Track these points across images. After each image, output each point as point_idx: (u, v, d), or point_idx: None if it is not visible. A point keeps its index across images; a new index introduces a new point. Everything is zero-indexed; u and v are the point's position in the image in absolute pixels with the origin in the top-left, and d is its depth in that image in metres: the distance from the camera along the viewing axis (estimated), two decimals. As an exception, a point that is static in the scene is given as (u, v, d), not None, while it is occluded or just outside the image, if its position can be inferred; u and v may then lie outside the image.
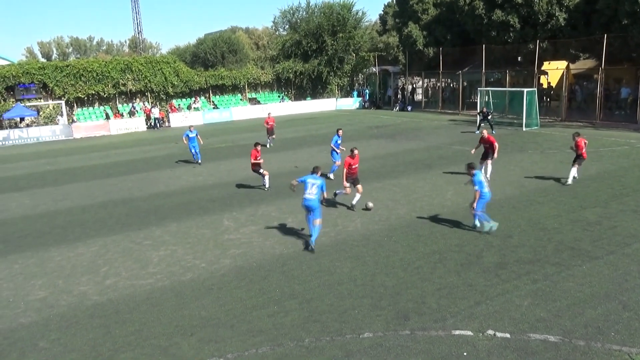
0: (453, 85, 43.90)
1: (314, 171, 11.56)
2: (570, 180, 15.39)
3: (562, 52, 33.19)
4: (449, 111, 39.40)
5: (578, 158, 15.50)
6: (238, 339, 7.58)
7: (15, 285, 10.18)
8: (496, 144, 16.19)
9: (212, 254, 11.27)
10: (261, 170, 17.01)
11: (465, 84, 40.36)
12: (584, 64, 34.02)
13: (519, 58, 35.41)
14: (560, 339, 7.02)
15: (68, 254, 11.90)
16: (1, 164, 27.06)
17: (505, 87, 33.74)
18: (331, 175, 17.99)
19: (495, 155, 16.26)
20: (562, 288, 8.56)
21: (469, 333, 7.29)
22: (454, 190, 15.43)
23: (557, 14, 31.29)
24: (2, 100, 38.40)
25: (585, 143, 15.60)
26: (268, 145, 26.30)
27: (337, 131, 18.68)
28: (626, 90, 30.65)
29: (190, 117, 42.19)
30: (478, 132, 26.45)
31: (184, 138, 23.04)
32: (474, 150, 17.26)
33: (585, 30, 30.88)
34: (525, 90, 28.22)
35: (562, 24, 31.48)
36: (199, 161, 22.93)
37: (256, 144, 17.02)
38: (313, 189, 10.95)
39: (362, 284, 9.21)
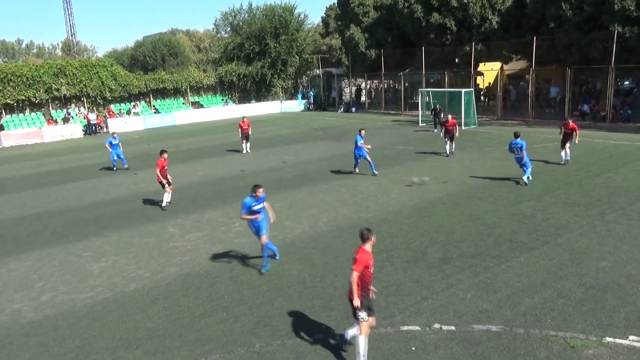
0: (395, 87, 44.91)
1: (254, 191, 9.85)
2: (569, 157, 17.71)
3: (496, 54, 34.76)
4: (392, 112, 40.27)
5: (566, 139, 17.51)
6: (186, 348, 7.39)
7: (-60, 307, 9.45)
8: (454, 127, 20.42)
9: (156, 263, 10.93)
10: (165, 184, 15.27)
11: (406, 85, 41.39)
12: (516, 65, 35.75)
13: (457, 59, 36.74)
14: (502, 328, 7.32)
15: (0, 269, 11.18)
16: None
17: (445, 87, 34.90)
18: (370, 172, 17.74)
19: (457, 134, 20.62)
20: (502, 279, 8.93)
21: (417, 328, 7.47)
22: (399, 189, 15.78)
23: (490, 17, 32.73)
24: None
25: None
26: (244, 151, 25.38)
27: (360, 131, 18.27)
28: (555, 89, 32.48)
29: (130, 122, 40.78)
30: (436, 131, 27.20)
31: (106, 145, 22.44)
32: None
33: (517, 32, 32.49)
34: (463, 90, 29.31)
35: (495, 27, 32.97)
36: (126, 166, 22.64)
37: (162, 152, 15.53)
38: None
39: (312, 285, 9.23)
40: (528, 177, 15.48)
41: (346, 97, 48.37)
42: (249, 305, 8.62)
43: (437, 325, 7.49)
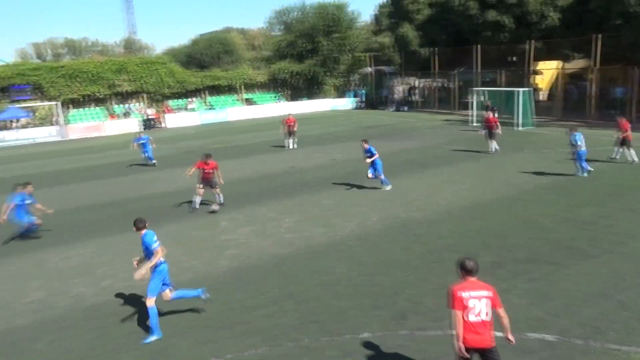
0: (447, 86, 44.03)
1: (140, 228, 8.28)
2: (636, 159, 17.31)
3: (556, 52, 33.37)
4: (444, 111, 39.51)
5: (625, 140, 17.22)
6: (236, 339, 7.58)
7: (12, 287, 10.14)
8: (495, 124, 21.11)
9: (209, 255, 11.26)
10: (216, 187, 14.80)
11: (460, 84, 40.49)
12: (577, 64, 34.18)
13: (513, 58, 35.57)
14: (558, 338, 7.06)
15: (65, 255, 11.86)
16: (-5, 166, 26.90)
17: (500, 87, 33.88)
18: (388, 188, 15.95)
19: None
20: (559, 287, 8.60)
21: (467, 332, 7.31)
22: (450, 190, 15.48)
23: (550, 14, 31.49)
24: (-5, 102, 38.19)
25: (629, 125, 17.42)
26: (288, 147, 25.76)
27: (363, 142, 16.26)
28: (620, 89, 30.84)
29: (185, 117, 42.11)
30: (485, 131, 26.54)
31: (135, 144, 23.18)
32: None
33: (578, 30, 31.06)
34: (520, 90, 28.35)
35: (556, 24, 31.65)
36: (155, 163, 23.10)
37: (208, 155, 14.84)
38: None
39: (360, 284, 9.23)
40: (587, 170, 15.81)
41: (397, 95, 47.85)
42: (297, 300, 8.73)
43: (488, 331, 7.30)
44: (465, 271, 5.46)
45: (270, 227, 13.02)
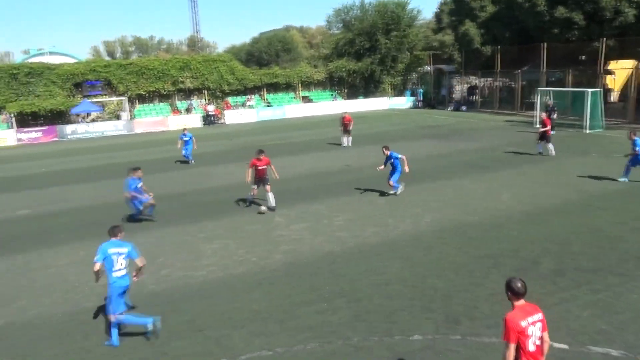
0: (511, 85, 42.47)
1: (114, 234, 7.97)
2: None
3: (630, 51, 31.35)
4: (506, 111, 38.15)
5: None
6: (287, 334, 7.68)
7: (79, 271, 10.77)
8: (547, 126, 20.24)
9: (263, 249, 11.46)
10: (267, 187, 14.52)
11: (523, 83, 38.94)
12: (654, 64, 32.01)
13: (582, 57, 33.78)
14: (624, 353, 6.65)
15: (127, 243, 12.43)
16: (68, 157, 28.66)
17: (567, 87, 32.28)
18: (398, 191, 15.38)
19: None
20: (626, 300, 8.11)
21: (523, 341, 7.03)
22: (510, 193, 14.94)
23: (625, 10, 29.60)
24: (71, 96, 40.65)
25: None
26: (344, 145, 25.84)
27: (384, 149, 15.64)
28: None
29: (244, 114, 43.08)
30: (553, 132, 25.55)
31: (179, 140, 23.81)
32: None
33: (658, 27, 29.06)
34: (589, 90, 26.89)
35: (632, 21, 29.74)
36: (192, 161, 23.49)
37: (260, 151, 14.73)
38: (120, 262, 7.69)
39: (412, 285, 9.09)
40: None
41: (457, 95, 46.72)
42: (348, 298, 8.72)
43: (546, 341, 6.99)
44: (516, 294, 4.91)
45: (323, 224, 13.08)
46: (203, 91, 44.55)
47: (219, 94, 44.95)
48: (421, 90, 48.79)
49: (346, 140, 25.93)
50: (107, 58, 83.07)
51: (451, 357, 6.76)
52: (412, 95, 49.13)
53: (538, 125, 27.83)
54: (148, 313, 8.61)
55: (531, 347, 4.75)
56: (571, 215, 12.59)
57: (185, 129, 24.49)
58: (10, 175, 23.59)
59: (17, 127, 38.35)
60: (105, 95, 41.76)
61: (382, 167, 15.50)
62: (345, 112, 26.81)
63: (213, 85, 44.31)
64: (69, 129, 38.67)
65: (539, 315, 4.90)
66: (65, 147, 33.54)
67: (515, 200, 14.13)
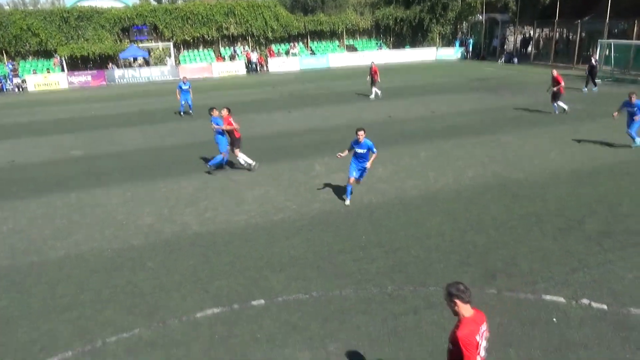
0: (569, 37, 39.98)
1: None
2: None
3: None
4: (561, 64, 36.07)
5: None
6: (323, 279, 7.87)
7: (127, 211, 11.28)
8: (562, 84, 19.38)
9: (302, 197, 11.62)
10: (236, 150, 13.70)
11: (583, 35, 36.55)
12: None
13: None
14: (666, 317, 6.49)
15: (172, 186, 12.89)
16: (118, 101, 29.46)
17: (632, 39, 30.09)
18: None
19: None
20: (674, 264, 7.82)
21: (561, 300, 6.96)
22: (559, 150, 14.39)
23: None
24: (118, 41, 41.28)
25: None
26: (372, 96, 25.51)
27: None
28: None
29: (287, 62, 42.67)
30: (586, 90, 24.36)
31: (177, 90, 22.81)
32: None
33: None
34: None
35: None
36: (191, 112, 22.73)
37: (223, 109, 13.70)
38: None
39: (451, 239, 9.06)
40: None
41: (509, 46, 44.47)
42: (385, 249, 8.80)
43: (585, 301, 6.90)
44: (463, 299, 4.03)
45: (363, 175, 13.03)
46: (247, 38, 44.22)
47: (262, 41, 44.53)
48: (471, 40, 46.65)
49: (373, 91, 25.45)
50: (154, 3, 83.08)
51: (486, 310, 6.68)
52: (461, 45, 47.11)
53: (597, 80, 26.32)
54: (191, 254, 9.00)
55: None
56: (624, 176, 12.05)
57: (184, 78, 23.29)
58: (64, 117, 24.53)
59: (68, 70, 39.50)
60: (151, 40, 42.16)
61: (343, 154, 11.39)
62: (372, 62, 26.39)
63: (257, 32, 43.85)
64: (117, 73, 39.52)
65: (485, 323, 4.17)
66: (114, 92, 34.42)
67: (564, 159, 13.61)
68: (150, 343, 6.48)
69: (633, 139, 14.20)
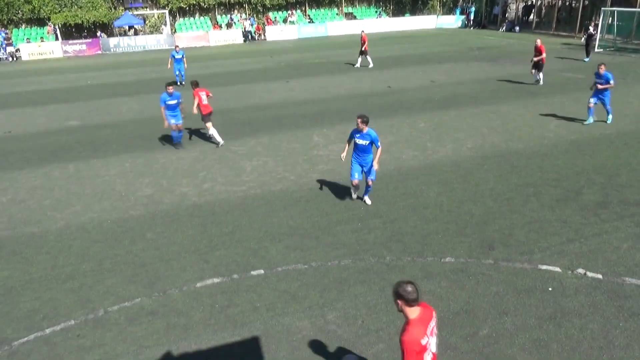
0: (572, 4, 39.30)
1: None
2: None
3: None
4: (564, 34, 35.64)
5: None
6: (322, 249, 7.94)
7: (126, 182, 11.28)
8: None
9: (301, 168, 11.61)
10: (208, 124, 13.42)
11: (586, 2, 35.91)
12: None
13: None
14: (660, 286, 6.59)
15: (171, 157, 12.85)
16: (113, 70, 29.07)
17: (636, 7, 29.59)
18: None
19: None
20: (670, 234, 7.89)
21: (557, 269, 7.05)
22: (560, 121, 14.32)
23: None
24: (112, 9, 40.44)
25: None
26: (358, 65, 25.41)
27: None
28: None
29: (285, 30, 41.96)
30: (588, 59, 24.06)
31: (169, 59, 22.41)
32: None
33: None
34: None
35: None
36: (183, 83, 22.23)
37: (194, 84, 13.63)
38: None
39: (448, 210, 9.10)
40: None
41: (511, 14, 43.71)
42: (383, 219, 8.85)
43: (581, 270, 6.99)
44: (408, 300, 3.76)
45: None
46: (244, 5, 43.34)
47: (260, 9, 43.67)
48: (472, 8, 45.83)
49: (364, 60, 25.34)
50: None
51: (482, 280, 6.87)
52: (462, 13, 46.31)
53: (599, 50, 25.99)
54: (190, 224, 9.05)
55: (427, 358, 3.86)
56: (623, 146, 12.03)
57: (177, 46, 22.89)
58: (59, 87, 24.25)
59: (62, 39, 38.82)
60: (146, 7, 41.31)
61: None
62: (362, 31, 26.05)
63: (254, -1, 43.00)
64: (112, 42, 38.88)
65: (434, 318, 3.96)
66: (109, 60, 33.93)
67: (564, 129, 13.57)
68: (152, 312, 6.57)
69: (608, 118, 13.89)
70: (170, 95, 12.75)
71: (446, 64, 25.08)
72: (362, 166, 9.11)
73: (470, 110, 15.87)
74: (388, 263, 7.45)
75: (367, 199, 9.50)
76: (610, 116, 13.86)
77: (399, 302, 3.79)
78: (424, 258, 7.53)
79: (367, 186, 9.31)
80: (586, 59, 24.30)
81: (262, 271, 7.41)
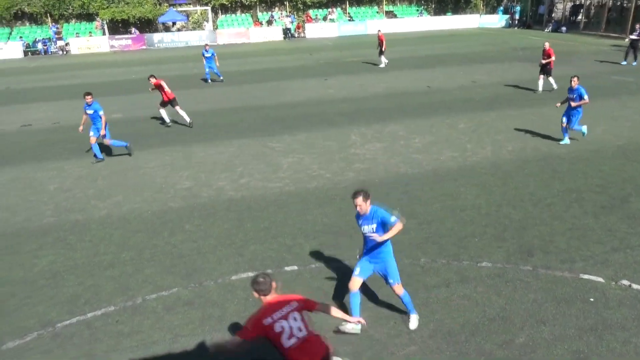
0: (623, 4, 37.71)
1: None
2: None
3: None
4: (614, 35, 34.25)
5: None
6: (355, 247, 7.90)
7: (165, 174, 11.56)
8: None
9: (337, 166, 11.61)
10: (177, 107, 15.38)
11: (639, 2, 34.37)
12: None
13: None
14: None
15: (209, 151, 13.09)
16: (157, 65, 29.80)
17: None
18: None
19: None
20: None
21: (600, 279, 6.80)
22: (607, 126, 13.80)
23: None
24: (157, 5, 41.46)
25: None
26: (382, 65, 25.23)
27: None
28: None
29: (325, 28, 42.00)
30: (625, 62, 23.04)
31: (203, 58, 22.55)
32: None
33: None
34: None
35: None
36: (222, 79, 22.70)
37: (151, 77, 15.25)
38: None
39: (486, 213, 8.92)
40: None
41: (557, 14, 42.37)
42: (419, 220, 8.75)
43: (625, 282, 6.71)
44: (258, 291, 4.30)
45: (399, 145, 12.91)
46: (285, 2, 43.62)
47: (300, 6, 43.85)
48: (517, 7, 44.65)
49: (380, 59, 25.18)
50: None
51: (520, 287, 6.70)
52: (505, 13, 45.19)
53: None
54: (227, 218, 9.19)
55: (289, 342, 4.17)
56: (674, 153, 11.49)
57: (207, 45, 23.03)
58: (105, 80, 25.06)
59: (109, 34, 40.09)
60: (190, 4, 42.15)
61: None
62: (379, 30, 25.92)
63: (295, -4, 43.24)
64: (156, 37, 39.87)
65: (290, 306, 4.30)
66: (153, 55, 34.81)
67: (610, 134, 13.07)
68: (188, 302, 6.72)
69: (582, 132, 12.40)
70: (89, 105, 12.18)
71: (488, 64, 24.56)
72: (372, 263, 6.01)
73: (511, 112, 15.49)
74: (422, 265, 7.37)
75: (412, 319, 6.01)
76: (567, 137, 12.39)
77: (254, 293, 4.36)
78: (459, 261, 7.41)
79: (398, 296, 6.04)
80: (624, 62, 23.23)
81: (295, 267, 7.46)
